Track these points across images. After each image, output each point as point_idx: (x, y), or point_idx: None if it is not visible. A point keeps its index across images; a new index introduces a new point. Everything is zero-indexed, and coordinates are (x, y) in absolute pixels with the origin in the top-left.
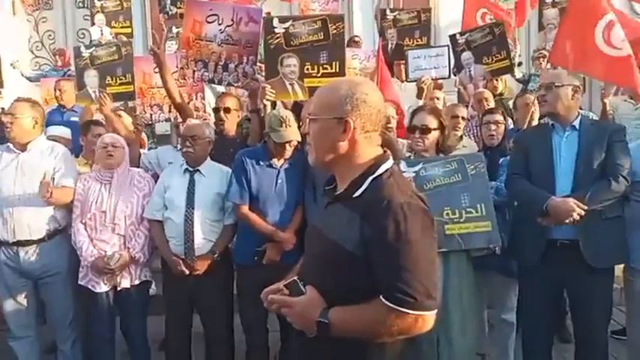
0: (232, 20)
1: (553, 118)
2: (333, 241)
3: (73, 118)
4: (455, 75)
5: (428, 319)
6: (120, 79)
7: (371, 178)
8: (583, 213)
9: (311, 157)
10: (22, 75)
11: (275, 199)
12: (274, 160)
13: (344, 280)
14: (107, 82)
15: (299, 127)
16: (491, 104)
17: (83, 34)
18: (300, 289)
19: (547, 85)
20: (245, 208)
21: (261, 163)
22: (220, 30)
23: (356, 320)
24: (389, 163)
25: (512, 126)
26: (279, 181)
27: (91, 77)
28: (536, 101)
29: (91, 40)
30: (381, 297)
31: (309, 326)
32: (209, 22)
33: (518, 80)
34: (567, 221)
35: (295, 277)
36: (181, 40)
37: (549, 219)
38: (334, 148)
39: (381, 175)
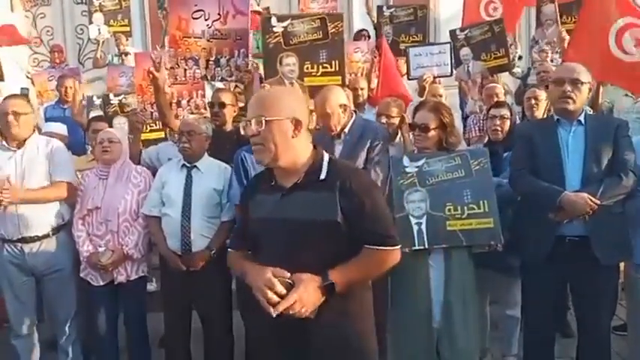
0: (219, 14)
1: (563, 114)
2: (316, 220)
3: None
4: (455, 70)
5: (399, 251)
6: (150, 127)
7: (326, 162)
8: (596, 208)
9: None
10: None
11: None
12: None
13: (332, 247)
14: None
15: None
16: (501, 99)
17: (82, 29)
18: (288, 283)
19: (572, 81)
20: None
21: None
22: (208, 25)
23: (355, 271)
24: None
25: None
26: None
27: (120, 124)
28: (543, 94)
29: (89, 39)
30: (369, 246)
31: (317, 299)
32: (195, 19)
33: (513, 75)
34: (580, 216)
35: (285, 279)
36: (168, 39)
37: (562, 214)
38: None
39: (329, 158)
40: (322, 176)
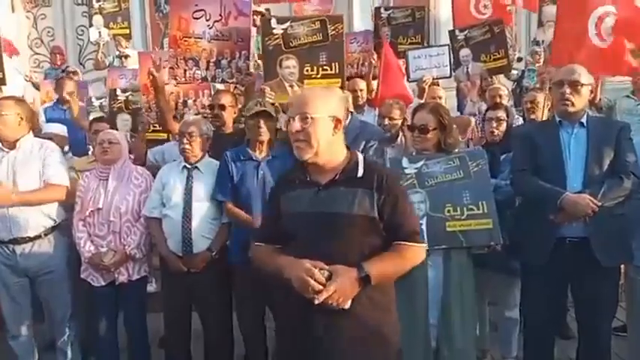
0: (220, 15)
1: (564, 116)
2: (354, 215)
3: None
4: (454, 71)
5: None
6: (154, 127)
7: (361, 161)
8: (597, 209)
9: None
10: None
11: (258, 192)
12: (255, 153)
13: (366, 241)
14: (140, 129)
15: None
16: (505, 101)
17: (82, 30)
18: (327, 274)
19: (571, 83)
20: (229, 204)
21: (242, 157)
22: (209, 26)
23: (387, 265)
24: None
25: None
26: (261, 172)
27: (124, 121)
28: (541, 97)
29: (89, 40)
30: (400, 242)
31: (354, 290)
32: (196, 19)
33: (509, 77)
34: (581, 218)
35: (324, 270)
36: (169, 39)
37: (563, 215)
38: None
39: (362, 157)
40: (359, 174)
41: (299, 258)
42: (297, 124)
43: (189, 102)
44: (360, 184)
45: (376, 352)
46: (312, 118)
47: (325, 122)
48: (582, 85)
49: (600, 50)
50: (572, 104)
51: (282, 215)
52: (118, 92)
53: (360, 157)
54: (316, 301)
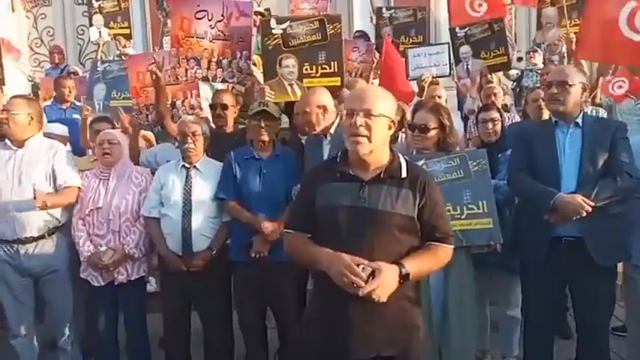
0: (222, 15)
1: (558, 115)
2: (397, 213)
3: (75, 115)
4: (453, 69)
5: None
6: (124, 94)
7: (404, 162)
8: (590, 209)
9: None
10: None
11: (261, 191)
12: (258, 152)
13: (404, 239)
14: (112, 95)
15: (291, 123)
16: (500, 100)
17: (82, 30)
18: (369, 270)
19: (559, 83)
20: (232, 203)
21: (246, 157)
22: (211, 26)
23: (423, 264)
24: None
25: (511, 121)
26: (264, 171)
27: (99, 90)
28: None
29: (89, 40)
30: (435, 243)
31: (394, 286)
32: (198, 19)
33: (508, 77)
34: (574, 218)
35: (367, 268)
36: (171, 39)
37: (556, 216)
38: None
39: (405, 159)
40: (403, 175)
41: (337, 251)
42: (362, 119)
43: (178, 103)
44: (403, 184)
45: (406, 337)
46: (375, 115)
47: (385, 122)
48: (570, 84)
49: (633, 43)
50: (562, 103)
51: (318, 206)
52: (98, 65)
53: (402, 158)
54: (360, 294)
